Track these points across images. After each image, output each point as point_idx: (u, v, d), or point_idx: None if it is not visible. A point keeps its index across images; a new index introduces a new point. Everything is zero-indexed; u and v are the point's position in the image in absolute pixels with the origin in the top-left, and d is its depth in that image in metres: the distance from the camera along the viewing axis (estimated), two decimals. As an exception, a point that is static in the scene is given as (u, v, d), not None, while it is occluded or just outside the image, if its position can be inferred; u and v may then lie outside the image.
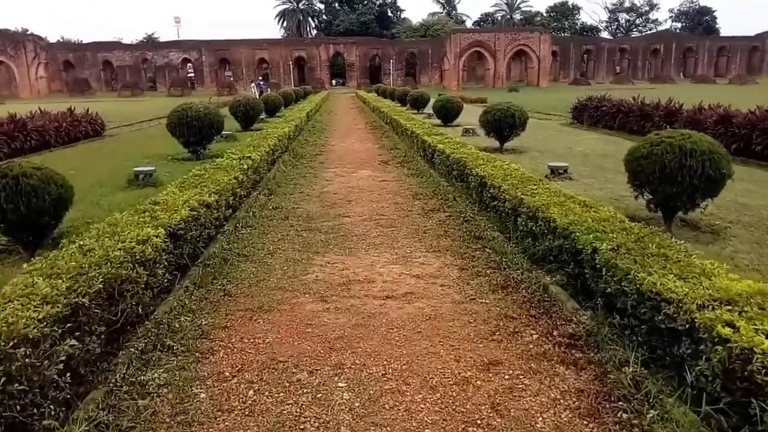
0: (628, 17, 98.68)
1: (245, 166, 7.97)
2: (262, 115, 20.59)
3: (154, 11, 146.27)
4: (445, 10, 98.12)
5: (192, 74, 68.27)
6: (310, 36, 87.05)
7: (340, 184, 9.41)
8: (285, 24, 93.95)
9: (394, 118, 13.99)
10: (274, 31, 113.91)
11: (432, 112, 19.13)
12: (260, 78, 50.75)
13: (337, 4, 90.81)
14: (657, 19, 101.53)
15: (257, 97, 36.65)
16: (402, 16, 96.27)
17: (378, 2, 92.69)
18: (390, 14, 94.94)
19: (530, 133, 13.86)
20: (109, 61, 64.37)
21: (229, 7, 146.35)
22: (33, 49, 59.27)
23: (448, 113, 18.59)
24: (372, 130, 17.13)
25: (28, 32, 72.12)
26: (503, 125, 12.04)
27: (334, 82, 72.88)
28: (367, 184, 9.41)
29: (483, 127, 12.47)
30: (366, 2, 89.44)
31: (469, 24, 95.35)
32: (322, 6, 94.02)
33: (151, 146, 14.40)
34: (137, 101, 45.80)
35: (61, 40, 77.47)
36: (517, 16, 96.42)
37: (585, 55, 75.61)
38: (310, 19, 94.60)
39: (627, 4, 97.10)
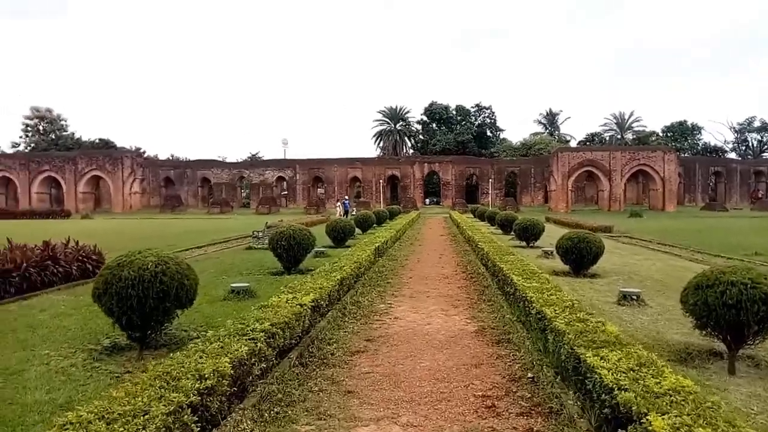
0: (759, 137, 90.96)
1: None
2: (357, 231, 23.54)
3: (264, 133, 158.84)
4: (548, 130, 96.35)
5: (285, 192, 69.53)
6: (405, 155, 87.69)
7: None
8: (381, 144, 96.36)
9: (500, 268, 9.76)
10: (370, 149, 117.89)
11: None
12: (345, 197, 49.73)
13: (434, 125, 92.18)
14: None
15: (342, 215, 34.45)
16: (501, 136, 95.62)
17: (477, 122, 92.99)
18: (489, 134, 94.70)
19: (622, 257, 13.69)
20: (207, 178, 67.20)
21: (330, 127, 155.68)
22: (130, 165, 63.56)
23: (529, 234, 19.42)
24: (465, 281, 12.06)
25: (139, 149, 78.67)
26: (578, 254, 12.13)
27: (427, 200, 71.21)
28: None
29: (558, 253, 12.77)
30: (464, 122, 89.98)
31: (573, 145, 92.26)
32: (419, 127, 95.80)
33: (241, 262, 15.28)
34: (223, 218, 45.82)
35: (170, 158, 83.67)
36: (629, 136, 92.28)
37: (713, 177, 68.83)
38: (406, 139, 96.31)
39: (757, 124, 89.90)
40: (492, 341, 6.96)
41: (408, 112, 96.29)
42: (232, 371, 4.29)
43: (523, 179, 66.96)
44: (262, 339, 5.09)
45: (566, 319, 5.88)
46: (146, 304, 5.96)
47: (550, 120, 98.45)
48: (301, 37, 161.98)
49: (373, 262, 13.38)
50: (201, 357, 4.42)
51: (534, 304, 6.91)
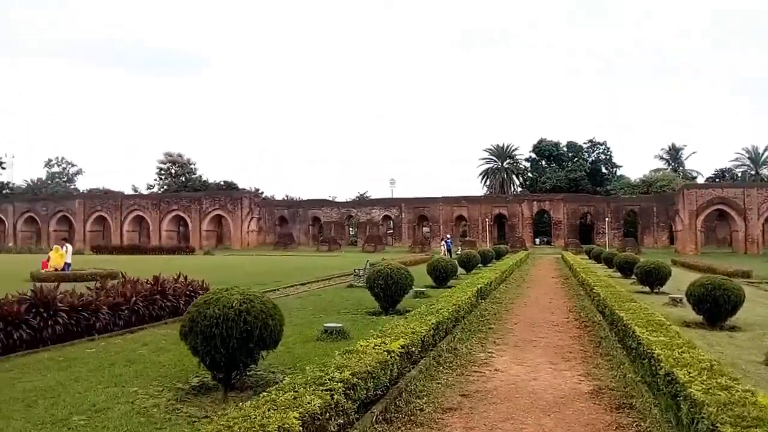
0: None
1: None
2: (460, 271, 23.14)
3: (372, 173, 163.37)
4: (671, 166, 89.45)
5: (391, 230, 70.13)
6: (513, 193, 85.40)
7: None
8: (488, 182, 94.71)
9: (620, 317, 8.39)
10: (476, 187, 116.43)
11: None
12: (447, 236, 48.94)
13: (544, 162, 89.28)
14: None
15: (445, 254, 33.74)
16: (618, 173, 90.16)
17: (590, 159, 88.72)
18: (604, 170, 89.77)
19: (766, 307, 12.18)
20: (318, 217, 69.60)
21: (436, 166, 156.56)
22: (248, 205, 67.34)
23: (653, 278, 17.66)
24: (578, 330, 10.75)
25: (258, 190, 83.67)
26: (714, 303, 10.52)
27: (537, 240, 68.29)
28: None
29: (688, 301, 11.38)
30: (576, 159, 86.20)
31: (700, 181, 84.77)
32: (527, 164, 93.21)
33: (341, 300, 15.14)
34: (331, 256, 46.83)
35: (285, 198, 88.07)
36: (765, 172, 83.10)
37: None
38: (514, 177, 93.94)
39: None
40: (611, 406, 5.95)
41: (516, 149, 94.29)
42: (301, 428, 3.83)
43: (644, 219, 62.22)
44: (340, 390, 4.61)
45: (704, 385, 4.83)
46: (229, 344, 5.75)
47: (673, 155, 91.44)
48: (411, 80, 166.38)
49: (474, 305, 12.56)
50: (270, 409, 4.01)
51: (662, 363, 5.84)
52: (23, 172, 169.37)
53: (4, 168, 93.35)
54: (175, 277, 13.07)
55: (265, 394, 4.45)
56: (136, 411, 5.43)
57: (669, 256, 36.67)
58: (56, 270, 22.10)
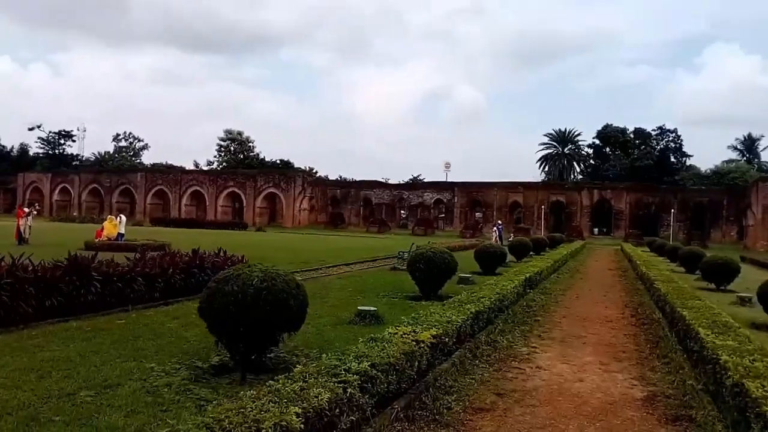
0: None
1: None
2: (510, 258, 22.22)
3: (427, 157, 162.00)
4: (745, 158, 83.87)
5: (443, 215, 69.24)
6: (573, 180, 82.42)
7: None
8: (547, 169, 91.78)
9: (681, 315, 7.53)
10: (533, 173, 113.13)
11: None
12: (499, 222, 47.65)
13: (607, 149, 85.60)
14: None
15: (496, 240, 32.83)
16: (687, 163, 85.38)
17: (658, 147, 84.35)
18: (672, 159, 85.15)
19: None
20: (369, 198, 69.47)
21: (493, 151, 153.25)
22: (301, 184, 67.90)
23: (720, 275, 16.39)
24: (634, 328, 9.78)
25: (312, 169, 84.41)
26: None
27: (596, 230, 65.63)
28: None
29: (760, 301, 10.80)
30: (643, 147, 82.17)
31: (779, 173, 79.12)
32: (590, 151, 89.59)
33: (382, 282, 14.85)
34: (379, 237, 46.65)
35: (338, 179, 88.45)
36: None
37: None
38: (575, 163, 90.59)
39: None
40: (667, 417, 5.24)
41: (578, 134, 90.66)
42: (301, 425, 3.39)
43: (713, 211, 58.65)
44: (355, 383, 4.15)
45: (784, 405, 4.09)
46: (246, 324, 5.40)
47: (749, 146, 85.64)
48: (468, 63, 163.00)
49: (521, 295, 11.85)
50: (271, 402, 3.59)
51: (730, 372, 5.08)
52: (93, 145, 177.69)
53: (74, 140, 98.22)
54: (216, 252, 13.01)
55: (272, 382, 4.04)
56: (146, 389, 5.17)
57: (737, 252, 34.32)
58: (109, 239, 22.74)
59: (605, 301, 13.52)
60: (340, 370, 4.24)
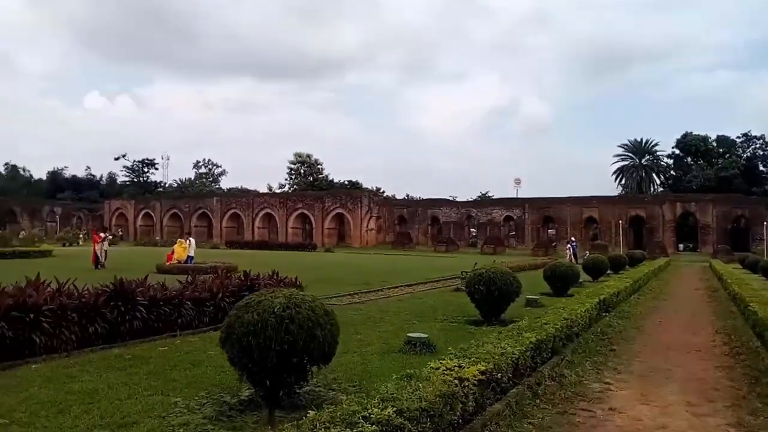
0: None
1: None
2: (585, 278, 20.94)
3: (496, 172, 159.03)
4: None
5: (513, 232, 67.17)
6: (653, 193, 77.82)
7: None
8: (623, 181, 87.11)
9: None
10: (607, 188, 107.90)
11: None
12: (573, 239, 45.36)
13: (689, 159, 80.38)
14: None
15: (570, 258, 31.10)
16: (780, 171, 78.63)
17: (745, 155, 78.37)
18: (762, 168, 78.75)
19: None
20: (437, 217, 68.57)
21: (564, 165, 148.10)
22: (367, 204, 67.98)
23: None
24: (728, 358, 8.47)
25: (379, 189, 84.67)
26: None
27: (681, 246, 61.33)
28: None
29: None
30: (728, 155, 76.59)
31: None
32: (669, 161, 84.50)
33: (443, 305, 13.85)
34: (447, 257, 45.67)
35: (405, 197, 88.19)
36: None
37: None
38: (654, 175, 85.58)
39: None
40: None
41: (656, 144, 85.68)
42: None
43: (815, 223, 53.39)
44: (374, 436, 3.47)
45: None
46: (268, 357, 4.86)
47: None
48: (535, 74, 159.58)
49: (594, 319, 10.70)
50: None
51: None
52: (176, 173, 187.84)
53: (157, 169, 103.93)
54: (271, 274, 12.73)
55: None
56: (161, 429, 4.72)
57: None
58: (179, 262, 23.27)
59: (693, 326, 12.04)
60: (358, 418, 3.58)
